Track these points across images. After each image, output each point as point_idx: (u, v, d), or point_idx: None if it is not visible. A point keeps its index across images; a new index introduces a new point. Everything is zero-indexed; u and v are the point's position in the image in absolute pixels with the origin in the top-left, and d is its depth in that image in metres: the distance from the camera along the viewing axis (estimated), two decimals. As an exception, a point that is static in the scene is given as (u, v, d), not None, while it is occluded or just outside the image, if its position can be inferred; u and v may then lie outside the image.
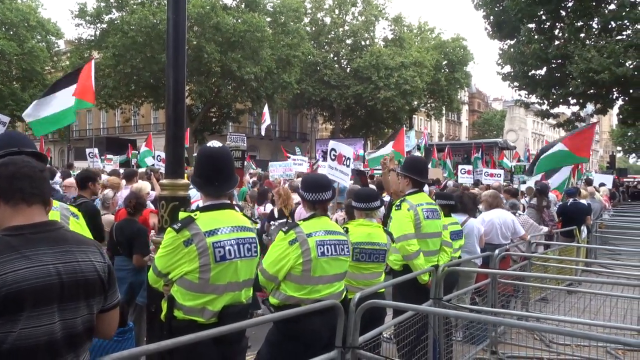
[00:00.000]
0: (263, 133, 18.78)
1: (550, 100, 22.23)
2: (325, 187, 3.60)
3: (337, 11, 43.39)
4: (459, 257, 5.53)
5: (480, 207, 8.26)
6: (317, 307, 3.18)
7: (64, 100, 7.75)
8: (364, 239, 4.04)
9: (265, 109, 18.63)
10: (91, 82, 7.81)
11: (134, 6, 30.59)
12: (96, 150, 19.03)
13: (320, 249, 3.35)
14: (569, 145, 10.09)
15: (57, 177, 9.02)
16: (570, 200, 10.36)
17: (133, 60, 29.94)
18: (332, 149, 8.17)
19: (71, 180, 7.30)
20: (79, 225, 2.60)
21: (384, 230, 4.33)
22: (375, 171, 17.28)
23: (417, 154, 19.75)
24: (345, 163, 8.11)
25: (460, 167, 17.19)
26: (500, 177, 15.81)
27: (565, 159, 10.59)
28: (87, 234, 2.61)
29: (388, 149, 15.44)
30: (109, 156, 19.57)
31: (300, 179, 10.95)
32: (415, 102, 45.00)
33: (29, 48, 33.25)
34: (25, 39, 33.49)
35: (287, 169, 13.93)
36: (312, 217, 3.51)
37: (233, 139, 14.15)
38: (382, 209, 7.85)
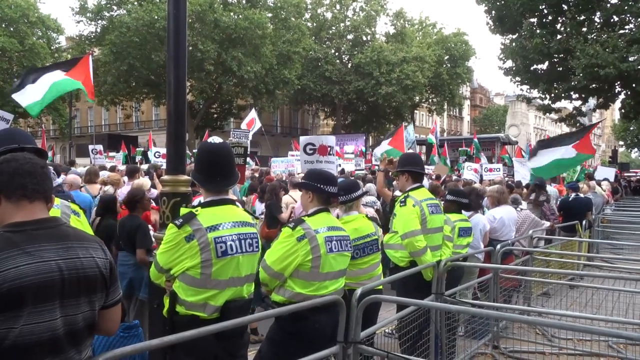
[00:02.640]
0: (250, 137, 18.68)
1: (552, 95, 22.16)
2: (336, 182, 3.68)
3: (338, 6, 43.31)
4: (466, 252, 5.53)
5: (485, 202, 8.25)
6: (319, 302, 3.18)
7: (52, 77, 7.78)
8: (353, 236, 3.97)
9: (254, 115, 18.46)
10: (90, 78, 7.82)
11: (134, 3, 30.56)
12: (99, 147, 19.07)
13: (329, 245, 3.35)
14: (579, 150, 10.58)
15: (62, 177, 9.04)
16: (573, 195, 10.36)
17: (131, 58, 29.94)
18: (309, 144, 8.11)
19: (72, 177, 7.29)
20: (79, 223, 2.60)
21: (368, 218, 4.34)
22: (376, 166, 17.28)
23: (417, 148, 19.77)
24: (330, 152, 8.07)
25: (467, 164, 17.20)
26: (499, 171, 15.87)
27: (576, 162, 11.11)
28: (89, 231, 2.61)
29: (385, 146, 15.34)
30: (111, 154, 19.65)
31: (299, 175, 10.98)
32: (417, 98, 44.93)
33: (30, 45, 33.21)
34: (26, 35, 33.45)
35: (289, 164, 13.99)
36: (318, 212, 3.50)
37: (236, 135, 14.21)
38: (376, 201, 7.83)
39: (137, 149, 21.80)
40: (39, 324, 1.73)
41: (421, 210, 4.61)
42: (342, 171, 14.55)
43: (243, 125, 18.85)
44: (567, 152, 10.95)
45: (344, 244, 3.50)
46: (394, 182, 8.74)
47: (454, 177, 14.93)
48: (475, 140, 23.32)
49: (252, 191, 9.05)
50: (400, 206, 4.64)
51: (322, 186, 3.52)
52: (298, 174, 11.97)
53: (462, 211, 5.70)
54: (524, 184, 11.60)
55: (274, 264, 3.27)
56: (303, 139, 8.40)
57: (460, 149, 24.58)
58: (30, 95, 7.91)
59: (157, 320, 3.31)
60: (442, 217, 4.92)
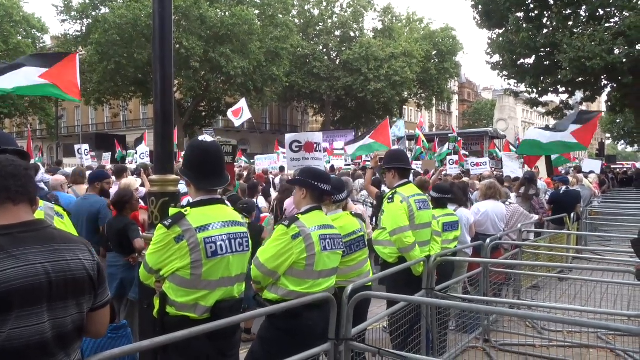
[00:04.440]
0: (237, 125, 18.42)
1: (539, 89, 22.30)
2: (330, 180, 3.68)
3: (324, 3, 43.24)
4: (455, 247, 5.55)
5: (474, 196, 8.29)
6: (311, 300, 3.18)
7: (27, 77, 7.49)
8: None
9: (242, 104, 18.18)
10: (76, 77, 7.65)
11: (119, 1, 30.30)
12: (86, 147, 18.92)
13: (323, 243, 3.35)
14: (578, 138, 10.67)
15: (43, 174, 8.91)
16: (563, 187, 10.43)
17: (117, 57, 29.69)
18: (295, 141, 8.05)
19: (57, 177, 7.21)
20: (64, 225, 2.57)
21: (353, 215, 4.33)
22: (366, 162, 17.33)
23: (407, 143, 19.81)
24: (318, 149, 8.02)
25: (448, 157, 17.28)
26: (486, 165, 15.98)
27: (570, 148, 11.17)
28: (73, 232, 2.58)
29: (367, 140, 15.25)
30: (92, 153, 19.52)
31: (289, 172, 10.95)
32: (406, 93, 45.03)
33: (14, 44, 32.83)
34: (10, 35, 33.05)
35: (272, 161, 14.09)
36: (311, 210, 3.49)
37: (209, 133, 14.13)
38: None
39: (129, 150, 21.66)
40: (27, 327, 1.71)
41: (409, 206, 4.64)
42: (332, 168, 14.55)
43: (229, 114, 18.59)
44: (567, 137, 11.04)
45: (337, 242, 3.51)
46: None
47: (444, 172, 14.97)
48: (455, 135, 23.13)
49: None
50: (388, 203, 4.66)
51: (316, 183, 3.52)
52: (282, 173, 11.95)
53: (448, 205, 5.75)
54: (512, 178, 11.68)
55: (267, 262, 3.25)
56: (289, 137, 8.32)
57: (450, 135, 24.49)
58: (4, 81, 7.63)
59: (147, 321, 3.29)
60: (431, 212, 4.95)
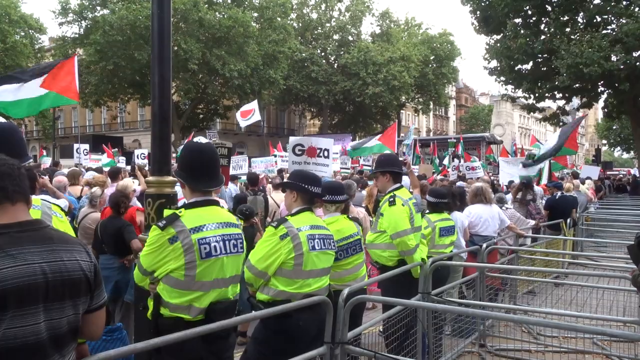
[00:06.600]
0: (242, 126, 18.35)
1: (537, 95, 22.38)
2: (320, 183, 3.71)
3: (323, 6, 43.32)
4: (451, 251, 5.55)
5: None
6: (307, 303, 3.18)
7: (30, 90, 7.46)
8: (336, 237, 3.90)
9: (254, 105, 18.07)
10: (75, 79, 7.63)
11: (119, 3, 30.31)
12: (86, 147, 18.84)
13: (311, 243, 3.37)
14: (567, 145, 11.21)
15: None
16: (559, 193, 10.47)
17: (115, 58, 29.66)
18: (298, 144, 8.01)
19: (59, 178, 7.21)
20: (62, 224, 2.56)
21: (349, 218, 4.34)
22: (364, 166, 17.33)
23: (404, 149, 19.87)
24: (322, 155, 7.97)
25: (452, 163, 17.36)
26: (479, 168, 16.09)
27: (561, 153, 11.75)
28: (71, 232, 2.57)
29: (374, 142, 15.31)
30: (93, 156, 19.46)
31: (279, 175, 10.92)
32: (403, 98, 45.06)
33: (12, 42, 32.74)
34: (8, 34, 32.98)
35: (269, 164, 14.03)
36: (301, 211, 3.52)
37: (211, 135, 14.07)
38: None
39: (114, 149, 21.61)
40: (23, 327, 1.70)
41: (409, 209, 4.64)
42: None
43: (237, 115, 18.49)
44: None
45: (327, 243, 3.52)
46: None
47: (439, 177, 15.00)
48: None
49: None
50: (390, 205, 4.62)
51: (306, 186, 3.55)
52: (277, 176, 11.90)
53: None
54: (510, 182, 11.78)
55: (257, 263, 3.29)
56: (292, 140, 8.30)
57: (449, 140, 24.58)
58: (4, 94, 7.55)
59: (143, 323, 3.27)
60: (420, 215, 4.97)
